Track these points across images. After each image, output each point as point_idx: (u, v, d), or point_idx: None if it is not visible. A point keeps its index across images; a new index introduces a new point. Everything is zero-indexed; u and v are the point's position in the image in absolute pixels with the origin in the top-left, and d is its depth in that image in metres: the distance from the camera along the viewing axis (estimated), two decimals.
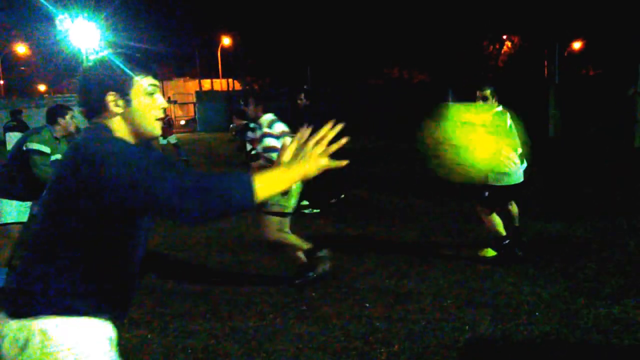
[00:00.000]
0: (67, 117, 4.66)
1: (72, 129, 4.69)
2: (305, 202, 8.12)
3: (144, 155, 1.43)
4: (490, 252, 5.19)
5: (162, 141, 14.91)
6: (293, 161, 1.51)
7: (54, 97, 34.63)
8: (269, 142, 4.50)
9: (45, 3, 26.15)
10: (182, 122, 33.40)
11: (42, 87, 57.41)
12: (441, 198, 8.08)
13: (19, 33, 45.72)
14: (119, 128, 1.56)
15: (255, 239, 6.26)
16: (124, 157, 1.40)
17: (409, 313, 3.92)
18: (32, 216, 4.69)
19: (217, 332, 3.74)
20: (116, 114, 1.55)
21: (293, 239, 4.56)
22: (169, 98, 42.96)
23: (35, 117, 22.57)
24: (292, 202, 4.48)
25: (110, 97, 1.54)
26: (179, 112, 38.23)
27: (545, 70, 25.83)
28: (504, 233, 5.00)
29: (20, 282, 1.52)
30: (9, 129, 11.25)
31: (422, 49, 31.27)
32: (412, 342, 3.47)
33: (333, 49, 32.01)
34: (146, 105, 1.58)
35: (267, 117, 4.64)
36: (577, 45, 31.40)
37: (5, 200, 4.51)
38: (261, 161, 4.58)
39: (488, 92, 4.97)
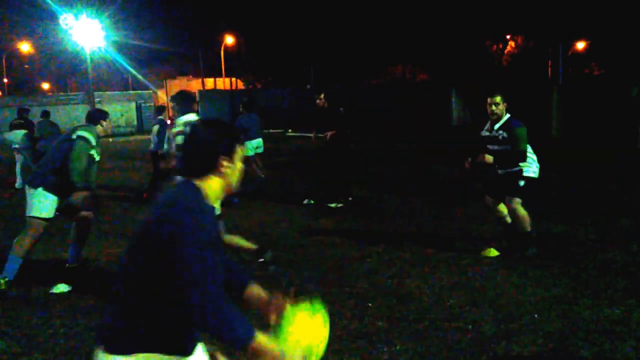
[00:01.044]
0: (108, 120, 4.96)
1: (109, 131, 5.00)
2: (311, 201, 8.13)
3: (212, 244, 1.71)
4: (493, 252, 5.19)
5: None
6: (280, 337, 1.81)
7: (58, 96, 34.72)
8: (180, 140, 4.19)
9: (49, 1, 26.20)
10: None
11: (45, 86, 57.55)
12: (443, 198, 8.08)
13: (23, 31, 45.84)
14: (215, 186, 1.83)
15: (257, 238, 6.26)
16: (198, 239, 1.65)
17: (411, 313, 3.92)
18: (58, 211, 4.79)
19: None
20: (222, 174, 1.83)
21: None
22: (171, 97, 42.97)
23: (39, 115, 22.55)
24: None
25: (223, 161, 1.81)
26: None
27: (549, 70, 25.79)
28: (530, 229, 5.07)
29: (117, 321, 1.75)
30: (14, 126, 11.28)
31: (425, 48, 31.23)
32: (414, 341, 3.47)
33: (336, 48, 32.00)
34: (240, 168, 1.90)
35: (186, 117, 4.38)
36: (580, 45, 31.32)
37: (41, 193, 4.62)
38: (173, 161, 4.37)
39: (498, 98, 5.08)
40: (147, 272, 1.68)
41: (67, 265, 5.09)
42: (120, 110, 29.52)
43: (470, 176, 7.46)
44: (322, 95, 8.01)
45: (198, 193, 1.77)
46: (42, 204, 4.62)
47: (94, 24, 25.06)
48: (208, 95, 31.55)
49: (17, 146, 11.01)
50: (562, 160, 10.98)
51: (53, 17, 27.81)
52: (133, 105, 29.83)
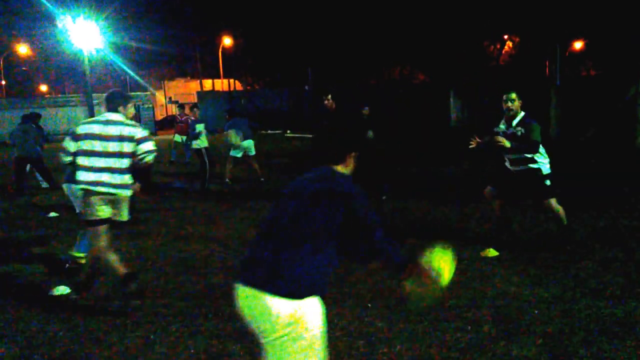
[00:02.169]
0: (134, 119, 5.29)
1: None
2: None
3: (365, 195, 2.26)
4: (492, 252, 5.20)
5: (177, 138, 15.06)
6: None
7: (55, 98, 34.68)
8: (71, 144, 4.18)
9: (46, 3, 26.18)
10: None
11: (43, 88, 57.48)
12: (442, 199, 8.08)
13: (20, 33, 45.76)
14: (343, 171, 2.39)
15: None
16: (359, 193, 2.23)
17: (410, 313, 3.91)
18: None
19: (219, 333, 3.75)
20: (346, 165, 2.40)
21: (112, 262, 4.17)
22: (169, 98, 42.97)
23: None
24: (95, 210, 4.12)
25: (349, 155, 2.41)
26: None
27: (547, 70, 25.81)
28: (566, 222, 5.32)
29: (276, 267, 2.09)
30: None
31: (423, 49, 31.25)
32: (413, 342, 3.48)
33: (334, 48, 32.00)
34: (354, 163, 2.45)
35: (105, 116, 4.27)
36: (578, 45, 31.37)
37: None
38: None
39: (514, 95, 5.21)
40: (320, 225, 2.13)
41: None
42: None
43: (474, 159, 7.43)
44: (329, 96, 7.96)
45: (337, 170, 2.36)
46: None
47: (91, 26, 25.03)
48: (206, 96, 31.54)
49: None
50: (560, 160, 10.99)
51: (51, 19, 27.79)
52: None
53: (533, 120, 5.17)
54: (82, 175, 4.13)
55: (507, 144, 5.04)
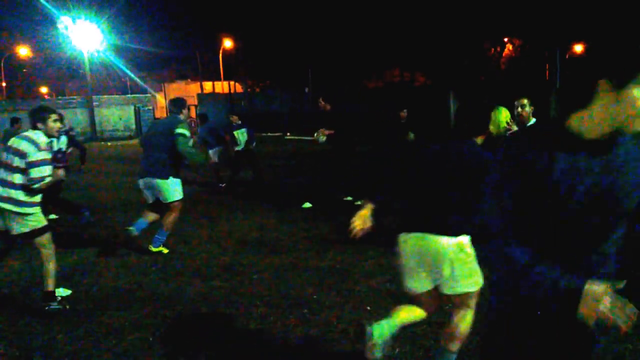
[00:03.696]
0: (186, 108, 5.98)
1: (188, 119, 5.79)
2: (308, 205, 8.13)
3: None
4: None
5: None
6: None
7: (56, 99, 34.70)
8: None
9: (47, 5, 26.25)
10: None
11: (44, 89, 57.57)
12: None
13: (21, 35, 45.84)
14: (479, 141, 2.90)
15: (256, 242, 6.27)
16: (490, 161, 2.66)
17: None
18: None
19: (218, 335, 3.75)
20: (483, 135, 2.91)
21: None
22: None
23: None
24: None
25: (491, 126, 2.98)
26: None
27: (547, 73, 25.83)
28: None
29: (444, 218, 2.79)
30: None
31: (424, 51, 31.32)
32: (413, 345, 3.48)
33: (334, 51, 32.06)
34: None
35: (26, 133, 4.30)
36: (578, 48, 31.41)
37: (173, 181, 5.65)
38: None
39: (525, 100, 5.30)
40: (467, 187, 2.65)
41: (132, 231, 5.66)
42: (118, 114, 29.50)
43: None
44: (321, 99, 8.13)
45: (476, 143, 2.88)
46: (179, 188, 5.73)
47: (92, 28, 25.11)
48: (206, 98, 31.56)
49: None
50: None
51: (52, 21, 27.85)
52: (131, 108, 29.79)
53: None
54: None
55: None
